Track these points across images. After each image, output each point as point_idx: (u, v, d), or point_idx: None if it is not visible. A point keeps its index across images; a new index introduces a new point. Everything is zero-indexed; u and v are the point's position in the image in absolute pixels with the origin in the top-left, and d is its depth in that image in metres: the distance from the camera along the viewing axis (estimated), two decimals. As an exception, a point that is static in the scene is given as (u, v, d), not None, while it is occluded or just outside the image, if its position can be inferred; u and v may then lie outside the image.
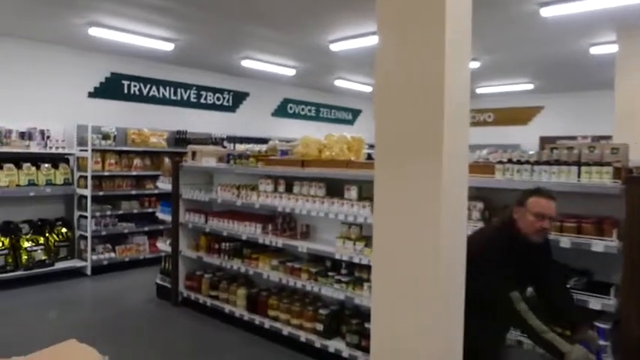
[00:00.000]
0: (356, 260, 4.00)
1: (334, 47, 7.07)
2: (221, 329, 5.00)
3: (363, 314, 4.11)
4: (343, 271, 4.24)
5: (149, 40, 6.77)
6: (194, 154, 5.57)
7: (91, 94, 7.75)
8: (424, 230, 1.99)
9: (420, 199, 2.00)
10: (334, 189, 4.43)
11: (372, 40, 6.67)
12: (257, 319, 4.74)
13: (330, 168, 4.30)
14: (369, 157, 4.63)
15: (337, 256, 4.14)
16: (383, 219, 2.18)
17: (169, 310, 5.58)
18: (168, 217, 5.82)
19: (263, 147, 5.78)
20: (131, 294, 6.15)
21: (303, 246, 4.43)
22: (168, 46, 7.07)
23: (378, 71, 2.15)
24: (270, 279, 4.70)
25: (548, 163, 3.11)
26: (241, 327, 4.92)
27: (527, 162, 3.16)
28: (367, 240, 4.06)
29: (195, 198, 5.48)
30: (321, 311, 4.30)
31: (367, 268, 4.04)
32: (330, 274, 4.26)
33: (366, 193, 4.20)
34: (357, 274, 4.14)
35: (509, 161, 3.26)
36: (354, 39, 6.73)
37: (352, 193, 4.15)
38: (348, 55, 7.55)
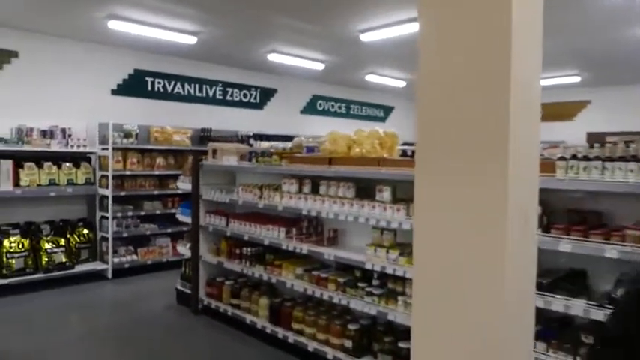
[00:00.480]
0: (389, 270, 3.54)
1: (365, 38, 6.61)
2: (242, 341, 4.63)
3: (398, 331, 3.65)
4: (375, 283, 3.78)
5: (171, 33, 6.47)
6: (215, 152, 5.22)
7: (114, 92, 7.54)
8: (484, 242, 1.53)
9: (478, 205, 1.53)
10: (365, 190, 3.98)
11: (405, 30, 6.18)
12: (280, 332, 4.34)
13: (361, 166, 3.85)
14: (404, 154, 4.15)
15: (368, 266, 3.69)
16: (427, 226, 1.72)
17: (189, 318, 5.25)
18: (188, 219, 5.49)
19: (288, 144, 5.38)
20: (151, 299, 5.87)
21: (330, 253, 4.00)
22: (191, 40, 6.76)
23: (424, 49, 1.69)
24: (295, 288, 4.30)
25: (623, 159, 2.57)
26: (263, 339, 4.53)
27: (598, 158, 2.63)
28: (402, 248, 3.60)
29: (215, 199, 5.13)
30: (351, 326, 3.86)
31: (402, 279, 3.58)
32: (360, 285, 3.81)
33: (400, 195, 3.74)
34: (391, 285, 3.68)
35: (574, 157, 2.74)
36: (385, 28, 6.25)
37: (385, 194, 3.69)
38: (379, 46, 7.07)
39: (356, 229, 4.23)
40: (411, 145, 4.81)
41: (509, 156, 1.46)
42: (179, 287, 5.66)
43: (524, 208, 1.60)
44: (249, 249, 4.78)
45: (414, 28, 6.08)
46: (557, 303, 2.74)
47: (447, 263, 1.67)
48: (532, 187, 1.66)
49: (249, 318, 4.69)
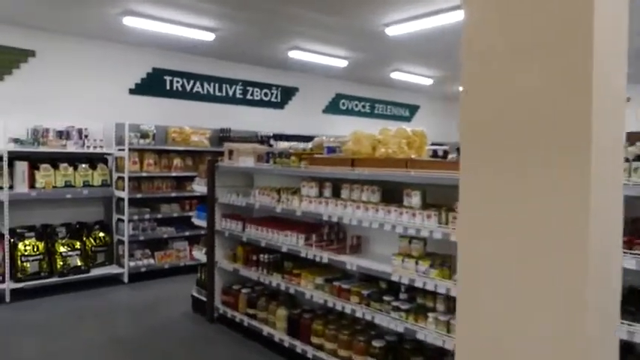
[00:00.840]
0: (418, 284, 3.19)
1: (390, 31, 6.25)
2: (258, 354, 4.33)
3: (428, 352, 3.29)
4: (402, 296, 3.43)
5: (188, 29, 6.25)
6: (231, 152, 4.94)
7: (132, 91, 7.37)
8: (558, 259, 1.19)
9: (553, 215, 1.19)
10: (391, 194, 3.64)
11: (433, 22, 5.80)
12: (299, 346, 4.03)
13: (387, 168, 3.50)
14: (435, 154, 3.78)
15: (394, 278, 3.34)
16: (477, 238, 1.39)
17: (204, 327, 4.98)
18: (204, 223, 5.23)
19: (309, 145, 5.06)
20: (166, 306, 5.63)
21: (352, 262, 3.66)
22: (209, 36, 6.52)
23: (476, 38, 1.35)
24: (314, 300, 3.97)
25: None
26: (281, 354, 4.23)
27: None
28: (433, 259, 3.24)
29: (231, 202, 4.85)
30: (375, 343, 3.52)
31: (432, 294, 3.22)
32: (385, 298, 3.46)
33: (431, 200, 3.38)
34: (420, 300, 3.33)
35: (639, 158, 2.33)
36: (412, 21, 5.88)
37: (414, 199, 3.34)
38: (405, 40, 6.70)
39: (381, 236, 3.89)
40: (441, 145, 4.43)
41: (591, 154, 1.11)
42: (195, 294, 5.41)
43: (609, 216, 1.25)
44: (266, 256, 4.48)
45: (443, 20, 5.70)
46: (620, 329, 2.34)
47: (505, 283, 1.33)
48: (617, 191, 1.30)
49: (266, 330, 4.39)
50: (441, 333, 3.09)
